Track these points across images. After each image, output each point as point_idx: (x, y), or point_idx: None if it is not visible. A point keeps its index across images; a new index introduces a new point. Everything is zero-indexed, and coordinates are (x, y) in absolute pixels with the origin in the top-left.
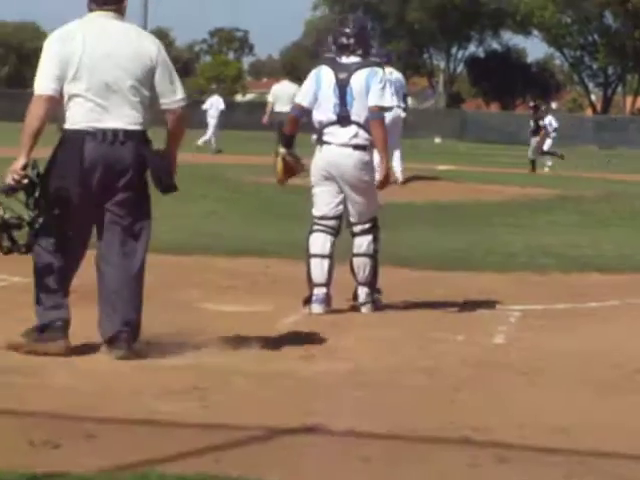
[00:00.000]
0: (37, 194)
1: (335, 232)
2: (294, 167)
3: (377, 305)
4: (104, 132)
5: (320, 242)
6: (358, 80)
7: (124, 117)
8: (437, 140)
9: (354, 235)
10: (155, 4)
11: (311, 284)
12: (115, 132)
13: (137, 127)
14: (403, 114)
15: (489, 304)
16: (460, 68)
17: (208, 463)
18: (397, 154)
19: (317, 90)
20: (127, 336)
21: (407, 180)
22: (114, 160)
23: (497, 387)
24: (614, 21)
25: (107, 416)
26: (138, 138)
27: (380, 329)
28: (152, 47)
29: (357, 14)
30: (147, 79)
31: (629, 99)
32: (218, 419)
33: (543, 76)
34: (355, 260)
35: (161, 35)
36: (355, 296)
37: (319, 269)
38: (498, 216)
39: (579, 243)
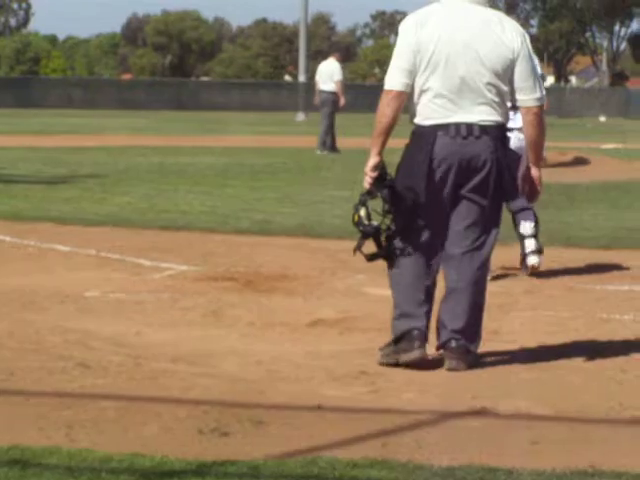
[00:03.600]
0: (391, 196)
1: None
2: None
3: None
4: (457, 126)
5: None
6: None
7: (478, 112)
8: (602, 119)
9: None
10: None
11: None
12: (469, 126)
13: (493, 122)
14: None
15: None
16: (623, 46)
17: (376, 448)
18: None
19: None
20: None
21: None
22: (468, 156)
23: None
24: None
25: (275, 402)
26: (495, 133)
27: (546, 310)
28: (516, 38)
29: None
30: (506, 74)
31: None
32: (386, 404)
33: None
34: (519, 216)
35: (322, 20)
36: (523, 258)
37: None
38: None
39: None
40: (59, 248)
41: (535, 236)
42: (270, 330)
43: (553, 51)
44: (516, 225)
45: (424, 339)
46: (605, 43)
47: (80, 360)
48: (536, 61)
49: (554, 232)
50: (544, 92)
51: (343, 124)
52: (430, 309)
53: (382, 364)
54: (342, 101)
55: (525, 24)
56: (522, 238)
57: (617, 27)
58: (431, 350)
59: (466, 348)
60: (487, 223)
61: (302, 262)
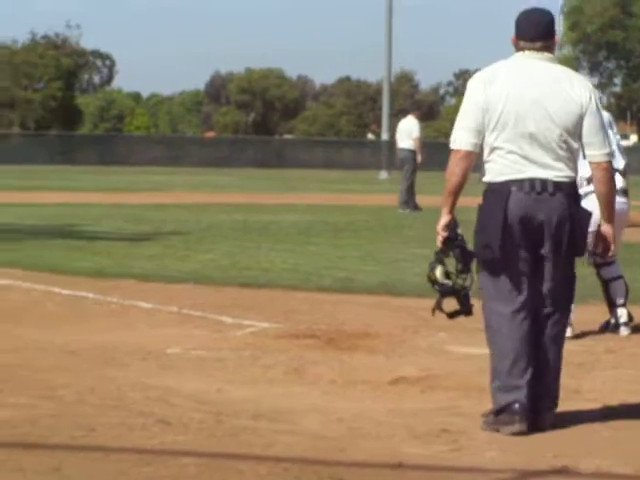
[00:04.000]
0: (462, 255)
1: None
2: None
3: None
4: (531, 181)
5: None
6: None
7: (551, 168)
8: None
9: (602, 265)
10: (399, 47)
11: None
12: (543, 182)
13: (566, 179)
14: None
15: None
16: None
17: None
18: None
19: None
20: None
21: None
22: (542, 213)
23: None
24: None
25: (356, 460)
26: (568, 190)
27: (628, 368)
28: (584, 93)
29: None
30: (576, 130)
31: None
32: (467, 462)
33: None
34: (612, 284)
35: (406, 78)
36: (607, 325)
37: None
38: None
39: None
40: (141, 305)
41: (625, 304)
42: (352, 388)
43: (637, 109)
44: (607, 291)
45: (525, 412)
46: None
47: (161, 417)
48: (605, 116)
49: (638, 291)
50: (613, 148)
51: (427, 182)
52: (532, 374)
53: (484, 430)
54: (419, 158)
55: (608, 83)
56: (613, 305)
57: None
58: None
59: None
60: (562, 281)
61: (384, 320)
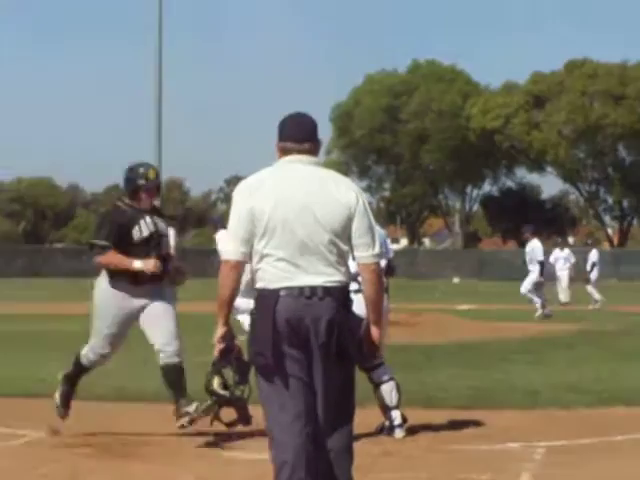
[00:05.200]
0: (239, 367)
1: None
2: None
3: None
4: (301, 288)
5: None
6: None
7: (321, 274)
8: (455, 280)
9: (371, 369)
10: (169, 154)
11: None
12: (313, 288)
13: (336, 284)
14: None
15: (515, 441)
16: (476, 207)
17: None
18: None
19: None
20: None
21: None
22: (311, 317)
23: None
24: (628, 154)
25: None
26: (337, 295)
27: (405, 471)
28: (351, 196)
29: None
30: (345, 232)
31: None
32: None
33: (558, 212)
34: (384, 387)
35: (175, 185)
36: (382, 428)
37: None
38: (520, 353)
39: (601, 377)
40: None
41: (398, 407)
42: None
43: (406, 214)
44: (379, 393)
45: None
46: (458, 205)
47: None
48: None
49: (413, 393)
50: (382, 249)
51: (201, 288)
52: None
53: None
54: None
55: (378, 187)
56: (387, 408)
57: (469, 189)
58: None
59: None
60: (341, 388)
61: (161, 427)
